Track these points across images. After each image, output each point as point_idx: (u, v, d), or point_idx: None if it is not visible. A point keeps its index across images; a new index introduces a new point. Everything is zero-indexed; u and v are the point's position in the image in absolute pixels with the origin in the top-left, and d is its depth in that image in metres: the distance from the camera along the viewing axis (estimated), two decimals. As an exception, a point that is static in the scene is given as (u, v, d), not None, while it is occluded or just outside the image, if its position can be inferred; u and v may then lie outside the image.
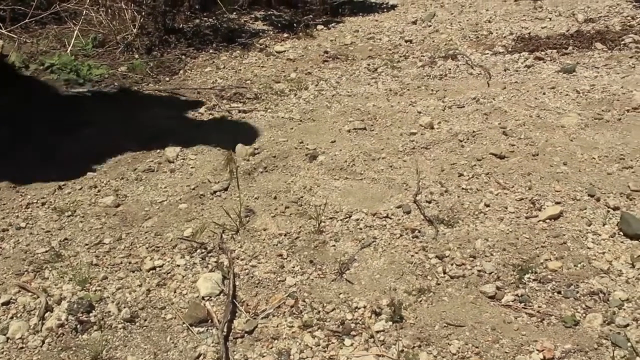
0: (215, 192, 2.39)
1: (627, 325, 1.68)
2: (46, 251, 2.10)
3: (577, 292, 1.82)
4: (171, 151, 2.70)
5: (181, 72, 3.82)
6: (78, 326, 1.76)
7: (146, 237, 2.17)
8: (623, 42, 3.81)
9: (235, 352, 1.66)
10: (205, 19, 4.75)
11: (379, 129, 2.90)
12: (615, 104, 2.97)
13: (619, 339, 1.63)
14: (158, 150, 2.71)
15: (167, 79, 3.70)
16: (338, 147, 2.71)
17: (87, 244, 2.13)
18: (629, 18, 4.26)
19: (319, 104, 3.25)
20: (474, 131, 2.79)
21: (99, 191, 2.45)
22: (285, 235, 2.12)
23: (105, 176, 2.55)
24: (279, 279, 1.93)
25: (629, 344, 1.62)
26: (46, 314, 1.79)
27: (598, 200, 2.25)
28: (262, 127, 2.96)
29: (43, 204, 2.38)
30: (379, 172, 2.51)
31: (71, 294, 1.87)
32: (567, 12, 4.53)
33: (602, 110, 2.93)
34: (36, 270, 2.00)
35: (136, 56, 3.96)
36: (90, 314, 1.80)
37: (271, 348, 1.67)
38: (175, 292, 1.90)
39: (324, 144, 2.74)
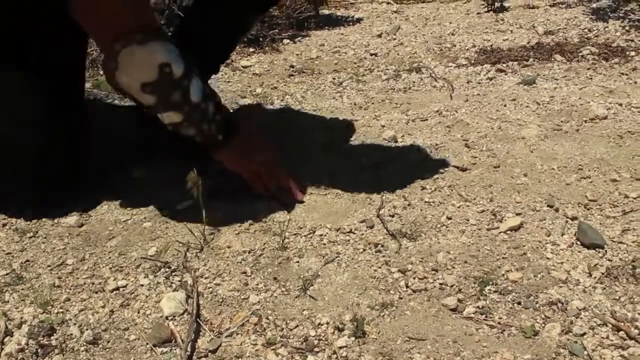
0: (179, 210, 2.38)
1: (584, 334, 1.72)
2: (7, 274, 2.07)
3: (537, 302, 1.86)
4: (137, 169, 2.68)
5: (147, 88, 3.78)
6: (39, 350, 1.73)
7: (110, 257, 2.15)
8: (581, 54, 3.92)
9: (198, 372, 1.66)
10: (171, 34, 4.72)
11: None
12: (574, 114, 3.05)
13: (575, 348, 1.67)
14: (123, 168, 2.69)
15: (133, 95, 3.67)
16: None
17: (49, 266, 2.11)
18: (586, 30, 4.37)
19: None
20: (436, 144, 2.84)
21: (62, 211, 2.42)
22: (249, 252, 2.13)
23: (69, 195, 2.52)
24: (242, 296, 1.93)
25: (585, 352, 1.66)
26: (5, 339, 1.77)
27: (557, 210, 2.30)
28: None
29: (4, 225, 2.35)
30: (343, 187, 2.53)
31: (32, 317, 1.85)
32: (528, 25, 4.64)
33: (561, 121, 3.00)
34: (-4, 294, 1.97)
35: (101, 72, 3.93)
36: (52, 337, 1.78)
37: (235, 367, 1.67)
38: (138, 312, 1.89)
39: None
